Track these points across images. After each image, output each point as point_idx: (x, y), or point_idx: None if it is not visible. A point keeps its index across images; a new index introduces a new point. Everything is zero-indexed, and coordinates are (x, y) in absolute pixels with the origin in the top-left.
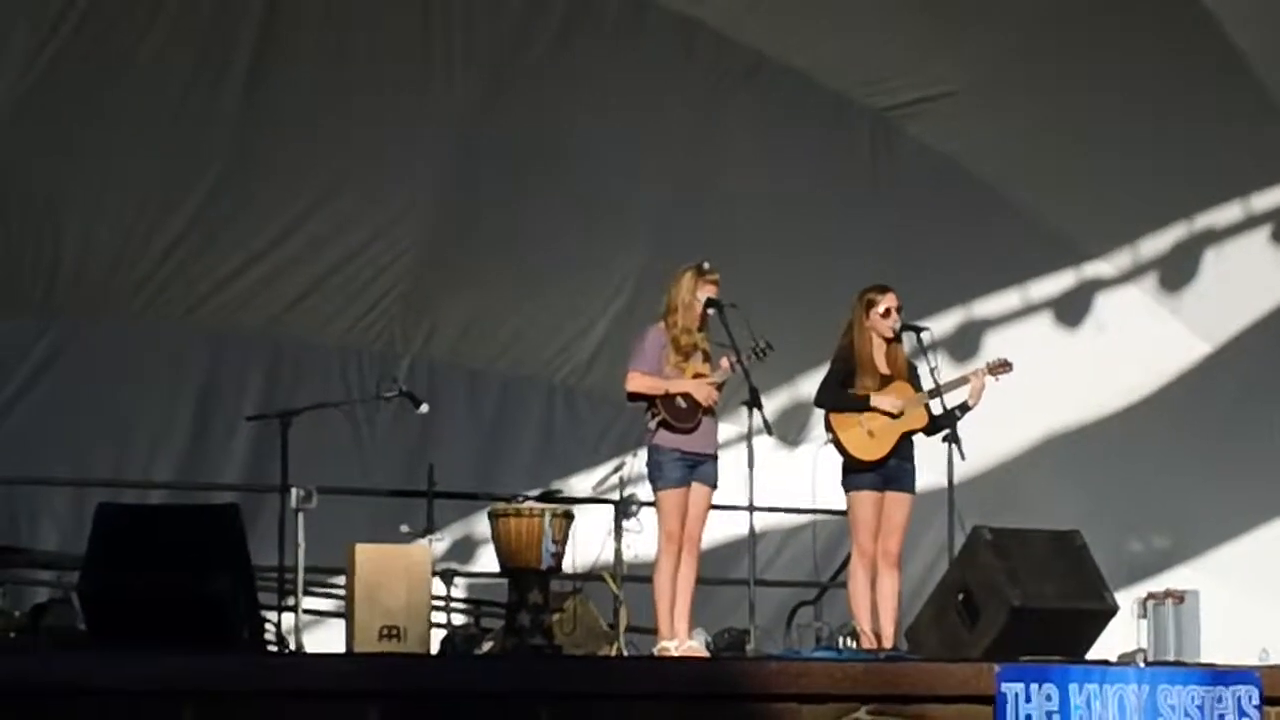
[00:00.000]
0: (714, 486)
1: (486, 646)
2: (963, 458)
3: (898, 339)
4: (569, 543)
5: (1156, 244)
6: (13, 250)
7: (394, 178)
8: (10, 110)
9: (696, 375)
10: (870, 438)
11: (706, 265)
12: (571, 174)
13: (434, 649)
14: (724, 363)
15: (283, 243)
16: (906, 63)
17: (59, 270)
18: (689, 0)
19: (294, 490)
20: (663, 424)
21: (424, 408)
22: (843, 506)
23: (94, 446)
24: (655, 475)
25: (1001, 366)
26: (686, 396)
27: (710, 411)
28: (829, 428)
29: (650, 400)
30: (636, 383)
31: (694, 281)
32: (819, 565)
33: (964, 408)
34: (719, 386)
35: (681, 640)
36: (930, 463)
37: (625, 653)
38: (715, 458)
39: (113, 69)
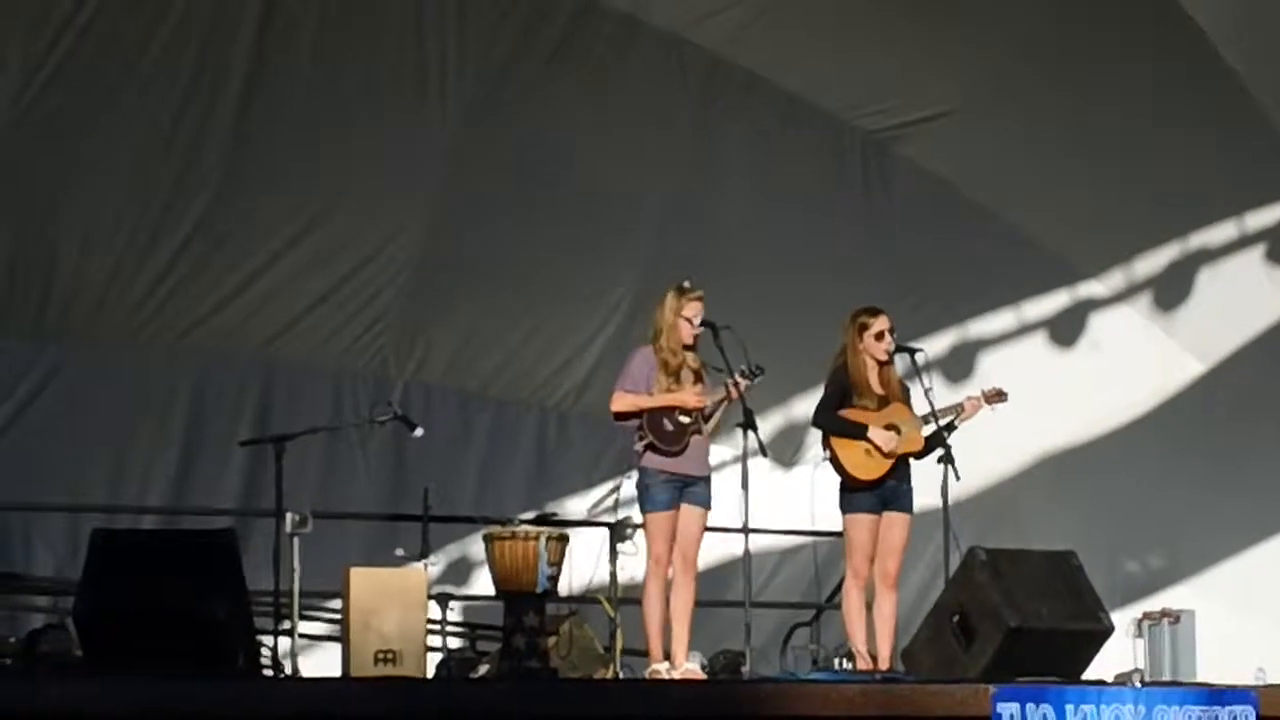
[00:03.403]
0: (707, 508)
1: (482, 670)
2: (958, 478)
3: (890, 360)
4: (564, 565)
5: (1150, 263)
6: (6, 273)
7: (388, 200)
8: (4, 132)
9: None
10: (868, 457)
11: (687, 284)
12: (565, 196)
13: (429, 672)
14: (726, 388)
15: (276, 266)
16: (900, 84)
17: (53, 293)
18: (682, 21)
19: (289, 514)
20: (649, 447)
21: (419, 431)
22: (838, 528)
23: (89, 471)
24: (643, 498)
25: (997, 396)
26: (672, 419)
27: (698, 433)
28: (827, 446)
29: (638, 423)
30: (620, 402)
31: (676, 301)
32: (817, 587)
33: (950, 427)
34: (709, 414)
35: (679, 664)
36: (925, 483)
37: (621, 675)
38: (707, 480)
39: (106, 91)
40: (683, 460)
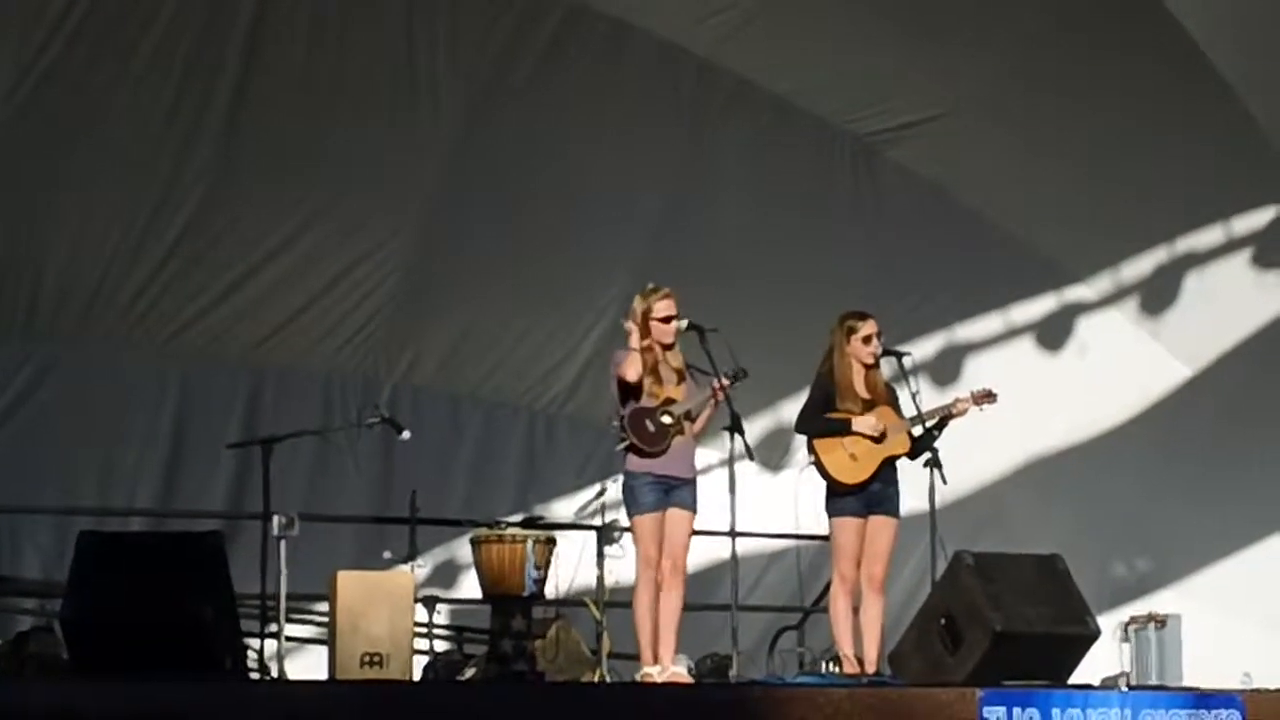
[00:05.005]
0: (693, 511)
1: (469, 673)
2: (944, 482)
3: (876, 364)
4: (551, 569)
5: (1138, 267)
6: None
7: (379, 203)
8: None
9: (668, 400)
10: (853, 461)
11: (650, 285)
12: (555, 200)
13: (416, 676)
14: (713, 386)
15: (267, 267)
16: (891, 88)
17: (41, 296)
18: (674, 26)
19: (276, 517)
20: (631, 448)
21: (406, 434)
22: (825, 531)
23: (76, 474)
24: (629, 501)
25: (986, 397)
26: (654, 419)
27: (681, 433)
28: (811, 450)
29: (619, 424)
30: (626, 372)
31: (642, 303)
32: (803, 590)
33: (941, 426)
34: (686, 415)
35: (666, 667)
36: (912, 487)
37: (608, 679)
38: (693, 482)
39: (99, 91)
40: (666, 462)
